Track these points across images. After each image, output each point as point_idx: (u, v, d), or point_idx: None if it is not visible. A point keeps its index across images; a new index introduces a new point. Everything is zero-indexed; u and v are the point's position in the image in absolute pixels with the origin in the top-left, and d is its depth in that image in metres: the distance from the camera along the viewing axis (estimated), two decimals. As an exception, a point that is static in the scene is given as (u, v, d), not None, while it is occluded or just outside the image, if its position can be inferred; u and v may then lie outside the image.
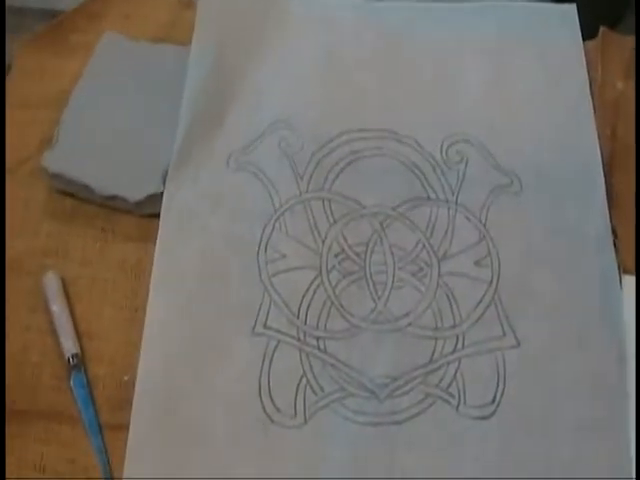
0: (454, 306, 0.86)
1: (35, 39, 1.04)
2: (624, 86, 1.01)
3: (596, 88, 1.00)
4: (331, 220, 0.91)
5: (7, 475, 0.76)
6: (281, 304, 0.86)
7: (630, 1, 1.37)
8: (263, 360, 0.83)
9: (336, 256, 0.89)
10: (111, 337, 0.85)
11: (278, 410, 0.81)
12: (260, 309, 0.85)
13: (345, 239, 0.90)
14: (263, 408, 0.81)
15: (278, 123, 0.97)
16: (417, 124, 0.97)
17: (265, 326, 0.85)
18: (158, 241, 0.88)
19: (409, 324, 0.85)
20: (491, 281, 0.88)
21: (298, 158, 0.94)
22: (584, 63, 1.02)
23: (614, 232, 0.90)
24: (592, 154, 0.96)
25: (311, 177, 0.93)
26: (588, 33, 1.05)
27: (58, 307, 0.85)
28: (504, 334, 0.85)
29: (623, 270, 0.88)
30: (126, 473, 0.77)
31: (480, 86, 1.01)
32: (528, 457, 0.79)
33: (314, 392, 0.82)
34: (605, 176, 0.94)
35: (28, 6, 1.23)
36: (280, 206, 0.91)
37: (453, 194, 0.93)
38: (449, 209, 0.92)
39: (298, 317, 0.85)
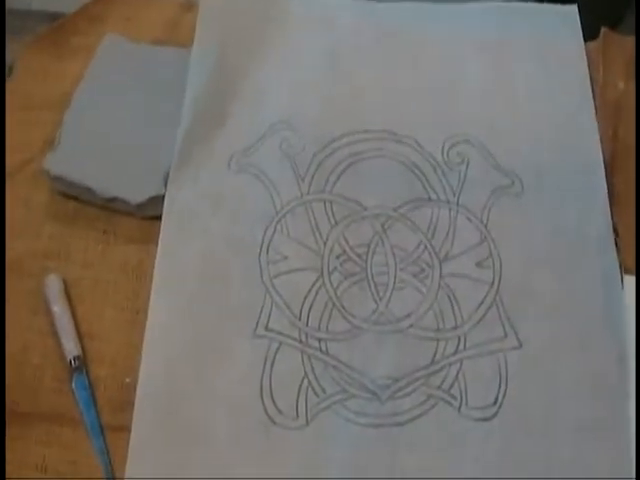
0: (455, 307, 0.86)
1: (37, 41, 1.04)
2: (625, 86, 1.01)
3: (597, 88, 1.01)
4: (332, 222, 0.91)
5: (8, 477, 0.76)
6: (282, 306, 0.86)
7: (631, 1, 1.37)
8: (265, 362, 0.83)
9: (337, 257, 0.89)
10: (112, 339, 0.85)
11: (280, 412, 0.81)
12: (261, 311, 0.85)
13: (346, 240, 0.90)
14: (265, 410, 0.81)
15: (279, 124, 0.97)
16: (418, 125, 0.97)
17: (267, 328, 0.84)
18: (159, 243, 0.88)
19: (411, 325, 0.85)
20: (492, 282, 0.88)
21: (299, 159, 0.94)
22: (585, 64, 1.02)
23: (615, 231, 0.90)
24: (593, 154, 0.96)
25: (312, 179, 0.93)
26: (589, 34, 1.05)
27: (60, 309, 0.85)
28: (506, 335, 0.85)
29: (624, 270, 0.88)
30: (128, 474, 0.77)
31: (481, 86, 1.01)
32: (529, 457, 0.79)
33: (316, 394, 0.82)
34: (606, 176, 0.94)
35: (30, 9, 1.23)
36: (281, 208, 0.91)
37: (454, 195, 0.93)
38: (450, 210, 0.92)
39: (300, 319, 0.85)
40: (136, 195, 0.90)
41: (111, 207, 0.91)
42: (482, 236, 0.90)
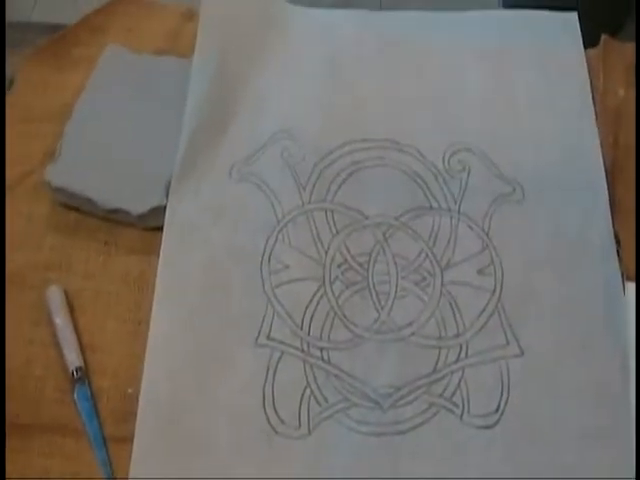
0: (457, 315, 0.86)
1: (38, 53, 1.04)
2: (626, 93, 1.01)
3: (598, 96, 1.01)
4: (334, 231, 0.91)
5: (10, 489, 0.76)
6: (284, 315, 0.86)
7: (631, 9, 1.37)
8: (267, 371, 0.83)
9: (339, 266, 0.89)
10: (114, 350, 0.85)
11: (282, 421, 0.81)
12: (263, 320, 0.85)
13: (348, 249, 0.90)
14: (267, 419, 0.81)
15: (280, 133, 0.97)
16: (419, 133, 0.97)
17: (268, 337, 0.85)
18: (161, 254, 0.89)
19: (412, 333, 0.85)
20: (494, 290, 0.88)
21: (300, 169, 0.94)
22: (586, 71, 1.02)
23: (617, 239, 0.90)
24: (594, 161, 0.96)
25: (313, 188, 0.93)
26: (589, 41, 1.05)
27: (61, 320, 0.85)
28: (508, 343, 0.85)
29: (626, 277, 0.88)
30: (130, 485, 0.77)
31: (482, 95, 1.01)
32: (531, 465, 0.79)
33: (318, 403, 0.82)
34: (607, 183, 0.94)
35: (30, 21, 1.24)
36: (283, 217, 0.91)
37: (456, 203, 0.93)
38: (452, 218, 0.92)
39: (301, 328, 0.85)
40: (137, 206, 0.90)
41: (112, 218, 0.91)
42: (483, 244, 0.90)
